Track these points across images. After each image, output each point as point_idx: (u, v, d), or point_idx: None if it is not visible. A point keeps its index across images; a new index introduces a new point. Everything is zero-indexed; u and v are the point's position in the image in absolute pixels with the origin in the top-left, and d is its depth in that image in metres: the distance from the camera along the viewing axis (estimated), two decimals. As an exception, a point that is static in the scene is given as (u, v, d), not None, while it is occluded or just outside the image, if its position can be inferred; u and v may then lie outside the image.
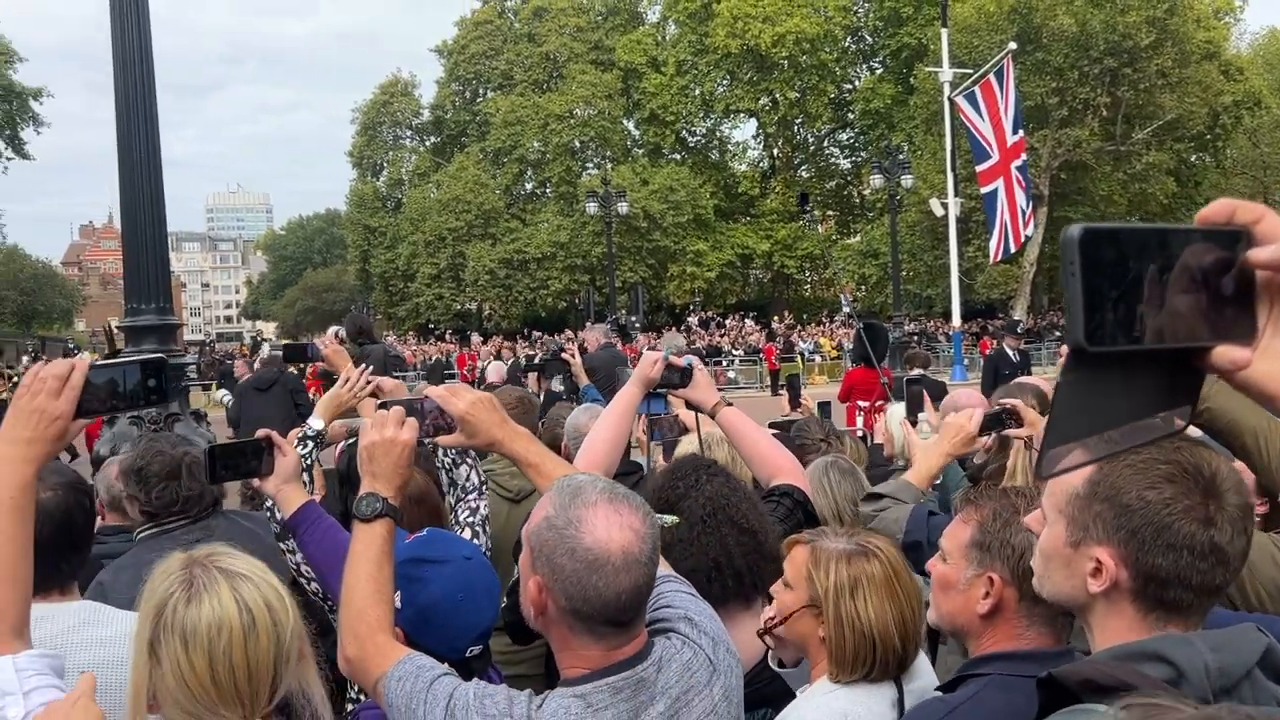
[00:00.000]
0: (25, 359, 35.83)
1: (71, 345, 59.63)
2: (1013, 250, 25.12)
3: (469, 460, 3.16)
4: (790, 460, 3.00)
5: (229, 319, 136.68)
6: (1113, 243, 0.80)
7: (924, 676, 2.18)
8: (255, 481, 2.49)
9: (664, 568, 1.90)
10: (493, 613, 2.15)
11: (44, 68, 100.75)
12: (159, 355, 1.89)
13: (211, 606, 1.49)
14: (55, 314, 76.64)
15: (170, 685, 1.47)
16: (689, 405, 4.05)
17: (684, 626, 1.85)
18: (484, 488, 3.20)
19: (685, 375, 2.92)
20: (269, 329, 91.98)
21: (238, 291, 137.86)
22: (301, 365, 10.08)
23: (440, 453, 3.21)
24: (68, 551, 2.21)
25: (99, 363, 1.75)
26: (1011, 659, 1.85)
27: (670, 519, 2.44)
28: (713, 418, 3.04)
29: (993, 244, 24.53)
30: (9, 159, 46.02)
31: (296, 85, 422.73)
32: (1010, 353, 13.12)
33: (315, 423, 3.17)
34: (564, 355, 7.12)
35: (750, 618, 2.40)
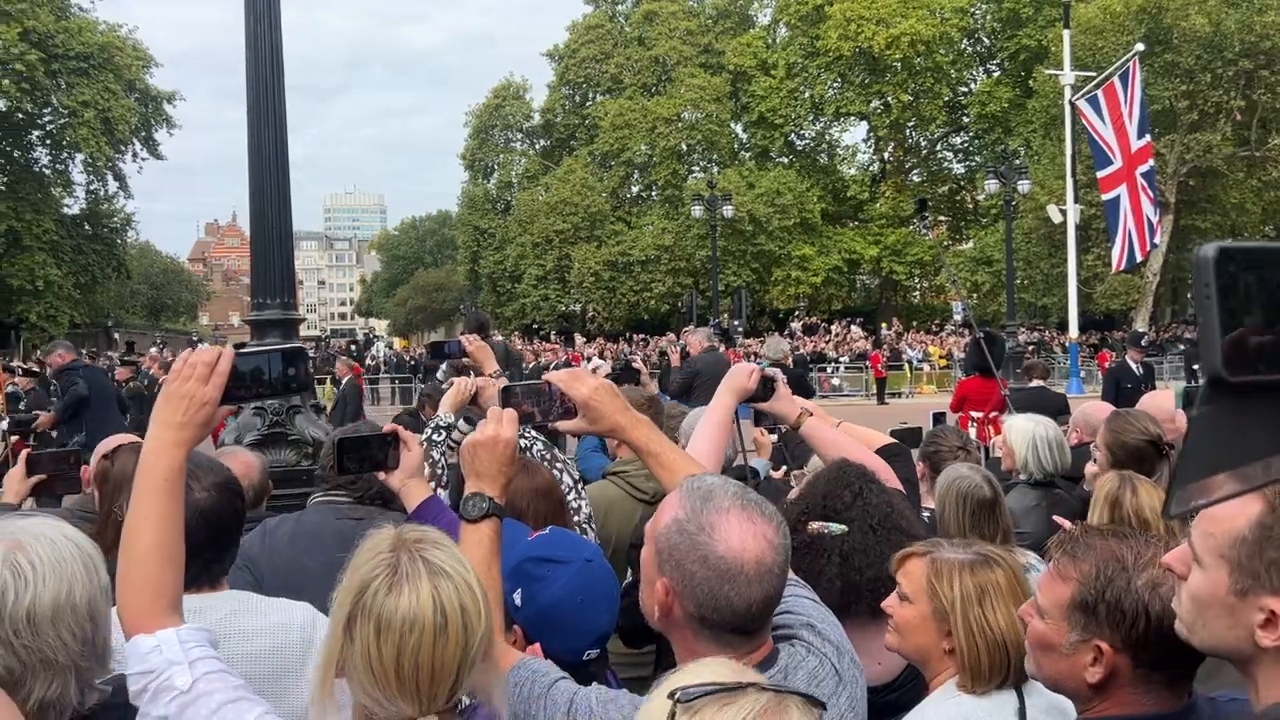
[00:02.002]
0: (153, 350, 37.65)
1: (196, 338, 62.49)
2: (1138, 259, 24.11)
3: (559, 464, 3.18)
4: (881, 465, 2.96)
5: (343, 316, 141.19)
6: (1251, 262, 0.74)
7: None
8: (380, 475, 2.54)
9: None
10: (611, 617, 2.14)
11: (173, 71, 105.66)
12: (299, 345, 1.94)
13: (409, 600, 1.48)
14: (181, 308, 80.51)
15: (358, 664, 1.49)
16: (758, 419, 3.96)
17: (807, 634, 1.81)
18: (579, 486, 3.22)
19: (768, 387, 2.91)
20: (381, 326, 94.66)
21: (352, 289, 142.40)
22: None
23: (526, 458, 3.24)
24: (219, 550, 2.30)
25: (244, 350, 1.80)
26: None
27: (839, 528, 2.44)
28: (796, 429, 3.01)
29: (1115, 252, 23.60)
30: (144, 159, 48.58)
31: (413, 90, 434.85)
32: (1133, 365, 12.59)
33: (445, 415, 3.23)
34: (634, 365, 7.15)
35: None
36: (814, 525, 2.43)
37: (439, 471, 3.04)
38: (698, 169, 52.05)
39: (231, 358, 1.75)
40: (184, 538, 1.71)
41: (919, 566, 2.12)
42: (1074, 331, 29.47)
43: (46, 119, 46.10)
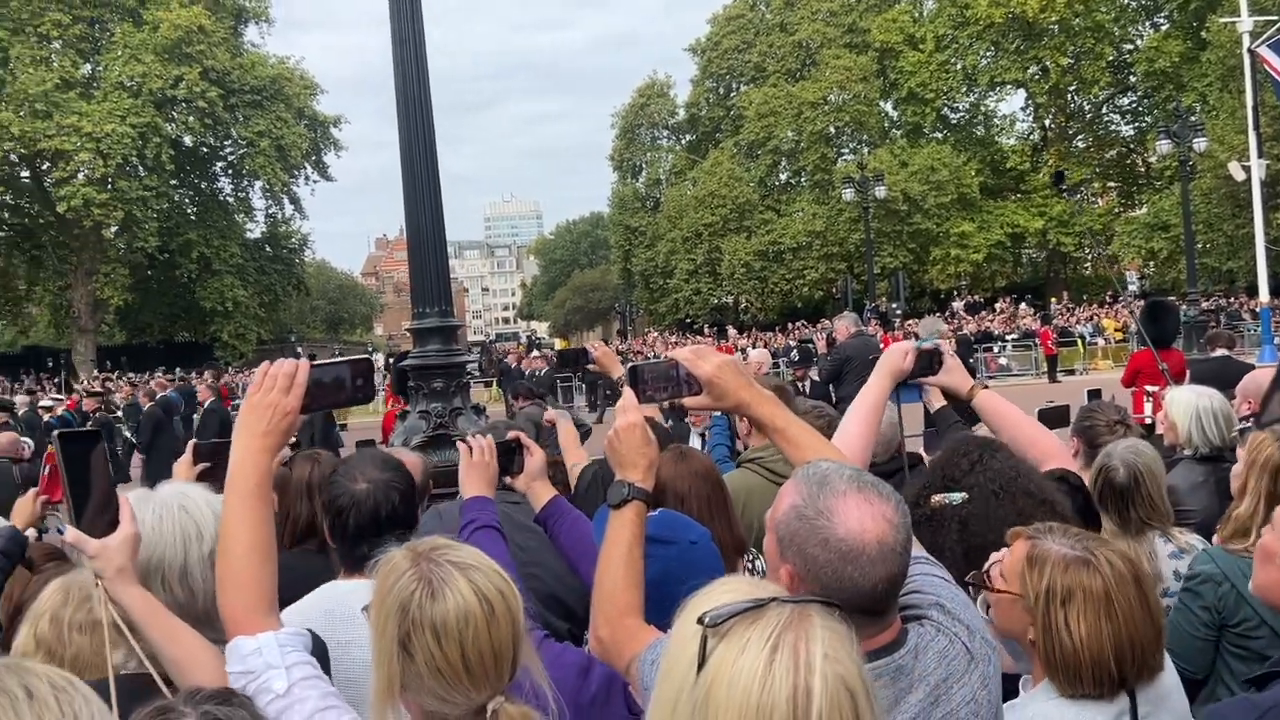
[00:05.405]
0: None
1: (370, 349, 65.62)
2: (1334, 213, 22.21)
3: None
4: (1056, 443, 2.84)
5: (506, 320, 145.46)
6: None
7: (1167, 678, 2.02)
8: (507, 479, 2.68)
9: (916, 548, 1.84)
10: None
11: (338, 96, 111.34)
12: (367, 358, 2.11)
13: (455, 600, 1.58)
14: (357, 320, 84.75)
15: (424, 675, 1.58)
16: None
17: (936, 614, 1.80)
18: None
19: (935, 361, 2.78)
20: (542, 328, 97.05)
21: (513, 294, 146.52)
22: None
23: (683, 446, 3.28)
24: (372, 538, 2.45)
25: (317, 363, 1.94)
26: None
27: (958, 496, 2.40)
28: (969, 403, 2.88)
29: (1309, 207, 21.80)
30: (315, 182, 51.45)
31: (559, 96, 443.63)
32: (1330, 329, 11.65)
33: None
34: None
35: None
36: (936, 498, 2.40)
37: None
38: (847, 151, 51.07)
39: (308, 370, 1.89)
40: (275, 542, 1.85)
41: (1020, 548, 2.04)
42: (1264, 295, 27.33)
43: (227, 150, 49.54)
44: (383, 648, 1.60)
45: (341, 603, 2.38)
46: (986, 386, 2.88)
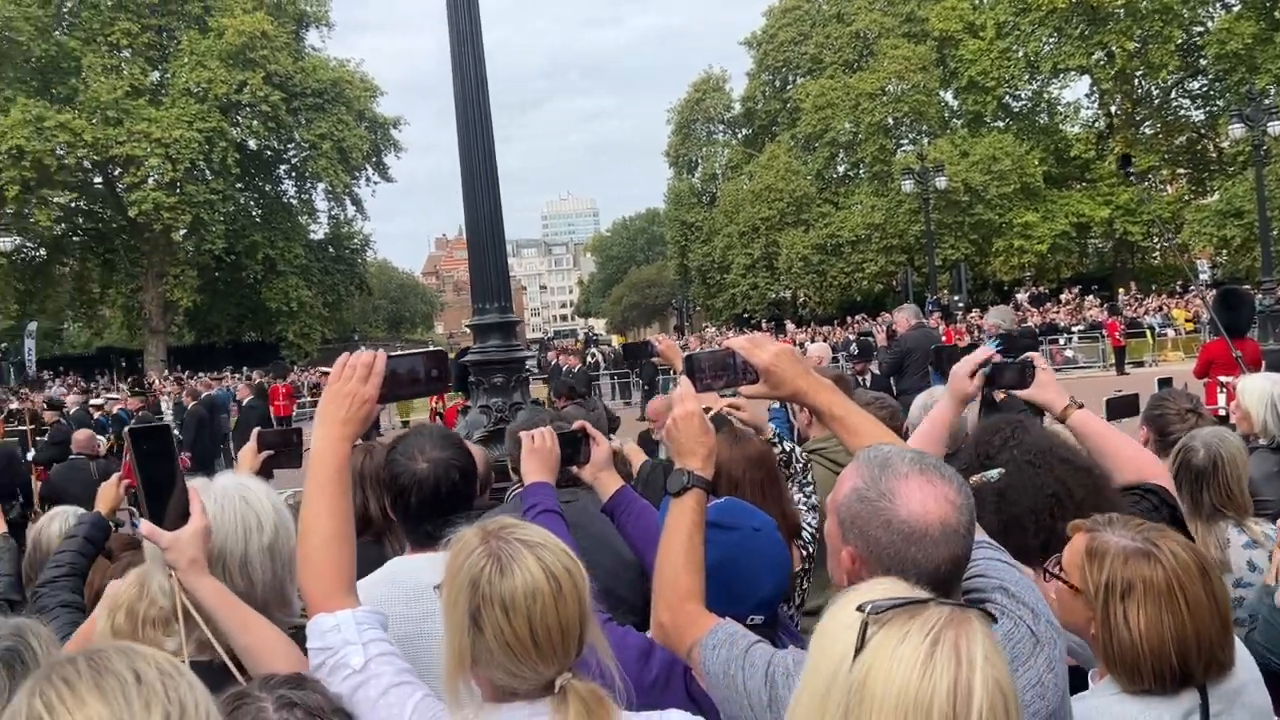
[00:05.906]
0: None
1: (434, 347, 66.30)
2: None
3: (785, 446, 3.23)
4: (1156, 464, 2.74)
5: (564, 317, 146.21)
6: None
7: (1241, 673, 1.96)
8: (574, 469, 2.71)
9: (979, 533, 1.83)
10: (774, 584, 2.19)
11: (396, 98, 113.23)
12: (441, 349, 2.18)
13: (524, 576, 1.63)
14: (418, 319, 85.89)
15: (494, 649, 1.63)
16: (1030, 405, 3.74)
17: (1000, 597, 1.78)
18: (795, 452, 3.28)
19: (1026, 373, 2.67)
20: (599, 325, 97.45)
21: (571, 291, 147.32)
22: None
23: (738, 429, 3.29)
24: (434, 515, 2.53)
25: (393, 354, 2.01)
26: None
27: (994, 473, 2.37)
28: (1062, 422, 2.76)
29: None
30: (376, 183, 52.23)
31: (612, 92, 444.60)
32: None
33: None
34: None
35: None
36: (974, 479, 2.35)
37: None
38: (906, 142, 50.40)
39: (385, 359, 1.96)
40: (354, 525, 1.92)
41: (1080, 541, 2.00)
42: (1345, 283, 26.45)
43: (290, 153, 50.53)
44: (454, 622, 1.66)
45: (410, 576, 2.45)
46: (1081, 405, 2.75)
